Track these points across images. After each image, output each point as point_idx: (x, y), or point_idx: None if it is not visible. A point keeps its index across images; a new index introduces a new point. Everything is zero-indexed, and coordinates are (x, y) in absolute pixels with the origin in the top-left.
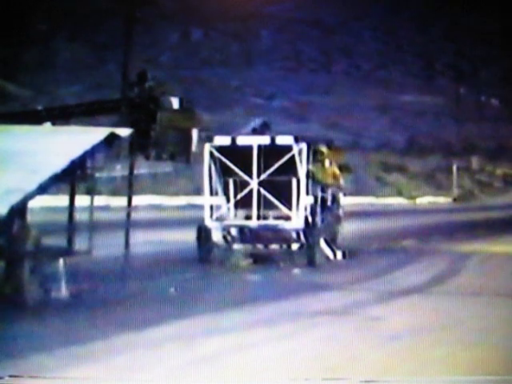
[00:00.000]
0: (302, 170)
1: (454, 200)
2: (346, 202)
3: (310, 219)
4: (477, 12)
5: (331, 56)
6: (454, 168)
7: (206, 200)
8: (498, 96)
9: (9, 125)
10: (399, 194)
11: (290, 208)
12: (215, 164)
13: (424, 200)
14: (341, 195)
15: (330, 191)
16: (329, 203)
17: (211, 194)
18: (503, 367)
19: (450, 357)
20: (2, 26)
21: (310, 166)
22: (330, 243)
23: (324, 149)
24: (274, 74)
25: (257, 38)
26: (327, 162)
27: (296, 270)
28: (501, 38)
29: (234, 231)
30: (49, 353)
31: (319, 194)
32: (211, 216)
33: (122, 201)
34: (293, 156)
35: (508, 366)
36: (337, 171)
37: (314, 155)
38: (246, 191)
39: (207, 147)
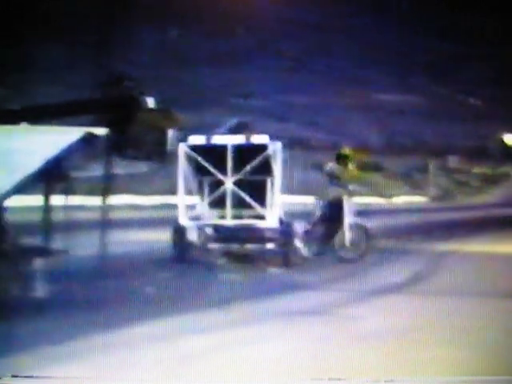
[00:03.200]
0: (277, 170)
1: (431, 199)
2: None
3: (284, 218)
4: (455, 10)
5: (310, 55)
6: (431, 167)
7: (180, 199)
8: (476, 95)
9: None
10: (375, 193)
11: (264, 207)
12: (190, 163)
13: (400, 199)
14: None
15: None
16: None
17: (186, 193)
18: (480, 367)
19: (429, 356)
20: None
21: (335, 169)
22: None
23: (348, 151)
24: (252, 73)
25: (234, 37)
26: (350, 165)
27: (271, 270)
28: (479, 36)
29: (208, 230)
30: (26, 352)
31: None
32: (186, 215)
33: (98, 200)
34: (268, 155)
35: (485, 365)
36: (356, 172)
37: (338, 158)
38: (220, 190)
39: (182, 147)
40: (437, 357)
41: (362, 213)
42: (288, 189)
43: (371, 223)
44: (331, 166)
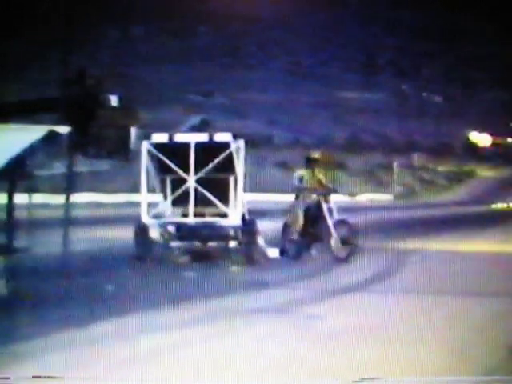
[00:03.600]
0: (239, 167)
1: (395, 197)
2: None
3: (247, 216)
4: (419, 8)
5: (270, 52)
6: (395, 165)
7: (143, 197)
8: (441, 92)
9: None
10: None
11: (227, 205)
12: (153, 161)
13: (364, 197)
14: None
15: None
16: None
17: (149, 191)
18: (443, 366)
19: (391, 355)
20: None
21: (303, 173)
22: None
23: (317, 155)
24: (213, 71)
25: (194, 35)
26: (316, 169)
27: (233, 268)
28: (443, 33)
29: (171, 228)
30: None
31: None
32: (148, 213)
33: (60, 198)
34: (230, 153)
35: (448, 364)
36: (322, 178)
37: (307, 162)
38: (183, 188)
39: (145, 144)
40: (401, 355)
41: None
42: (251, 187)
43: (353, 219)
44: (299, 173)
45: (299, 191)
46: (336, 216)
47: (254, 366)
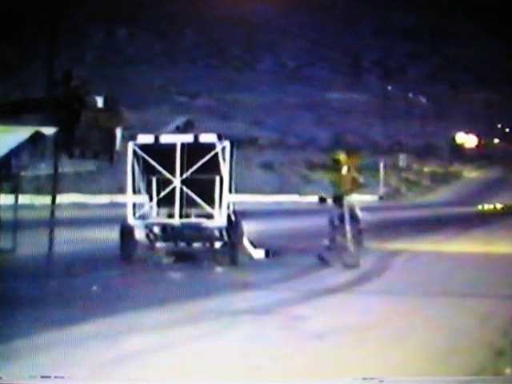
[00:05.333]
0: (225, 168)
1: (381, 198)
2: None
3: (232, 217)
4: (404, 9)
5: (256, 54)
6: (381, 166)
7: (128, 198)
8: (426, 93)
9: None
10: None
11: (212, 206)
12: (138, 162)
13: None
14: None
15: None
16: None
17: (134, 192)
18: (428, 366)
19: (376, 356)
20: None
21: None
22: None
23: (341, 156)
24: (198, 72)
25: (181, 37)
26: (345, 169)
27: (219, 269)
28: (428, 35)
29: (156, 229)
30: None
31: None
32: (134, 214)
33: (46, 199)
34: (216, 154)
35: (433, 365)
36: (356, 176)
37: (332, 164)
38: (168, 189)
39: (130, 145)
40: (387, 355)
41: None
42: (236, 187)
43: (363, 224)
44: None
45: (336, 196)
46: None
47: (240, 366)
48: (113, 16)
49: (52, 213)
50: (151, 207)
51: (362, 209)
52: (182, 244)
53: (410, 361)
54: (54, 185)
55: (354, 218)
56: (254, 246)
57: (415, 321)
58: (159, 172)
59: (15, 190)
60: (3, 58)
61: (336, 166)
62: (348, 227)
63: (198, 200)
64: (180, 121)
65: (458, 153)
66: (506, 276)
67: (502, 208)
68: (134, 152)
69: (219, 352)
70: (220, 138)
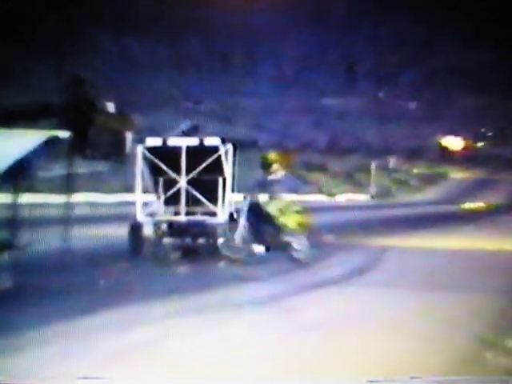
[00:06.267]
0: (227, 170)
1: (372, 197)
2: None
3: (235, 215)
4: (396, 16)
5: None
6: (373, 167)
7: (137, 197)
8: (416, 99)
9: None
10: (320, 191)
11: (216, 205)
12: (147, 164)
13: (343, 197)
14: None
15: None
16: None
17: (143, 191)
18: (414, 358)
19: (366, 346)
20: None
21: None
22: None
23: (271, 155)
24: (202, 78)
25: (185, 42)
26: (273, 168)
27: (221, 263)
28: (419, 44)
29: (163, 226)
30: None
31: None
32: (142, 212)
33: (60, 198)
34: (219, 156)
35: (420, 357)
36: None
37: (262, 162)
38: (175, 189)
39: (139, 148)
40: (376, 346)
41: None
42: (238, 187)
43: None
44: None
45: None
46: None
47: (244, 356)
48: (123, 22)
49: (66, 211)
50: (159, 205)
51: (355, 207)
52: (188, 240)
53: (399, 351)
54: (68, 184)
55: (257, 214)
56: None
57: (405, 313)
58: (166, 173)
59: (32, 190)
60: (15, 62)
61: (264, 164)
62: (243, 223)
63: (202, 199)
64: (186, 125)
65: (445, 155)
66: (490, 270)
67: (485, 206)
68: (143, 154)
69: (223, 343)
70: (223, 141)
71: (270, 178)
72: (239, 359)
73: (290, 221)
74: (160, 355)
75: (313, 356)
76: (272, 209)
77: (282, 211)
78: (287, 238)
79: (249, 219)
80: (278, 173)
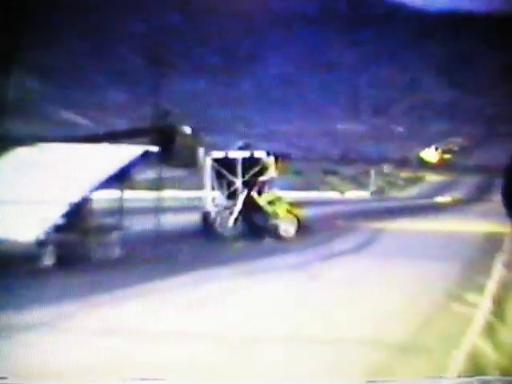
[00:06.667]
0: (270, 174)
1: (371, 194)
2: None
3: None
4: (390, 67)
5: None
6: (372, 172)
7: (207, 193)
8: (402, 124)
9: (82, 143)
10: (333, 189)
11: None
12: (213, 170)
13: (350, 194)
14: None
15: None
16: None
17: (211, 189)
18: (402, 307)
19: (369, 299)
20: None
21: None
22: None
23: (270, 160)
24: (253, 110)
25: (241, 81)
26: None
27: (266, 239)
28: (403, 84)
29: (226, 213)
30: (107, 291)
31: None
32: (211, 204)
33: (152, 194)
34: (264, 165)
35: (405, 306)
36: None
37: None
38: (233, 188)
39: (208, 159)
40: (379, 298)
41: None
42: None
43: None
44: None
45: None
46: None
47: (282, 305)
48: (197, 67)
49: (157, 203)
50: (222, 199)
51: (358, 201)
52: (243, 224)
53: (392, 301)
54: (158, 184)
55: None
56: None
57: (394, 274)
58: (227, 176)
59: (132, 188)
60: (123, 99)
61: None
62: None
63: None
64: (241, 143)
65: (423, 164)
66: (456, 244)
67: (453, 200)
68: (211, 163)
69: (267, 296)
70: (268, 154)
71: (262, 178)
72: (281, 306)
73: (279, 209)
74: (222, 306)
75: (335, 303)
76: (261, 201)
77: (271, 202)
78: (274, 222)
79: (242, 209)
80: (268, 174)
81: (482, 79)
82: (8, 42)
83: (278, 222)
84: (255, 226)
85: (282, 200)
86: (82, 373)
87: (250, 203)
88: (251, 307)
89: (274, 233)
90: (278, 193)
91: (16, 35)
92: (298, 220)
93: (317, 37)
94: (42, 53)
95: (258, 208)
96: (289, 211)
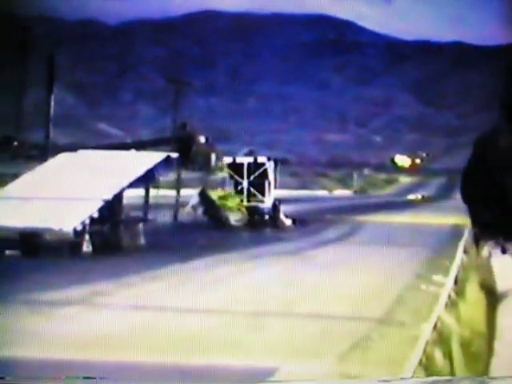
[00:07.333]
0: (271, 176)
1: (354, 192)
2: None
3: (276, 203)
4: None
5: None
6: (355, 175)
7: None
8: (381, 135)
9: (114, 150)
10: (323, 188)
11: (264, 196)
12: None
13: (337, 192)
14: None
15: None
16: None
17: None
18: (380, 287)
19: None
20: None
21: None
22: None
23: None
24: (258, 123)
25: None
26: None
27: (267, 230)
28: (381, 103)
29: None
30: (135, 273)
31: None
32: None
33: (173, 192)
34: (266, 168)
35: (383, 285)
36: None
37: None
38: (240, 187)
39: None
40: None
41: (313, 200)
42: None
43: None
44: None
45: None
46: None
47: (281, 283)
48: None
49: (177, 200)
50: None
51: (344, 198)
52: (248, 217)
53: (371, 283)
54: (178, 184)
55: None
56: (287, 218)
57: (374, 259)
58: (234, 177)
59: (156, 187)
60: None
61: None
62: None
63: (256, 193)
64: (246, 150)
65: (397, 167)
66: (424, 234)
67: (422, 197)
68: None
69: (269, 276)
70: (269, 159)
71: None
72: (280, 286)
73: (230, 203)
74: (234, 286)
75: (324, 283)
76: (214, 196)
77: (222, 197)
78: (225, 214)
79: (201, 203)
80: (221, 174)
81: (448, 97)
82: (50, 65)
83: (227, 213)
84: (212, 216)
85: (234, 196)
86: (113, 343)
87: (205, 198)
88: (255, 286)
89: (274, 223)
90: (229, 190)
91: (57, 59)
92: (247, 212)
93: (310, 60)
94: (79, 74)
95: (212, 202)
96: (239, 205)
